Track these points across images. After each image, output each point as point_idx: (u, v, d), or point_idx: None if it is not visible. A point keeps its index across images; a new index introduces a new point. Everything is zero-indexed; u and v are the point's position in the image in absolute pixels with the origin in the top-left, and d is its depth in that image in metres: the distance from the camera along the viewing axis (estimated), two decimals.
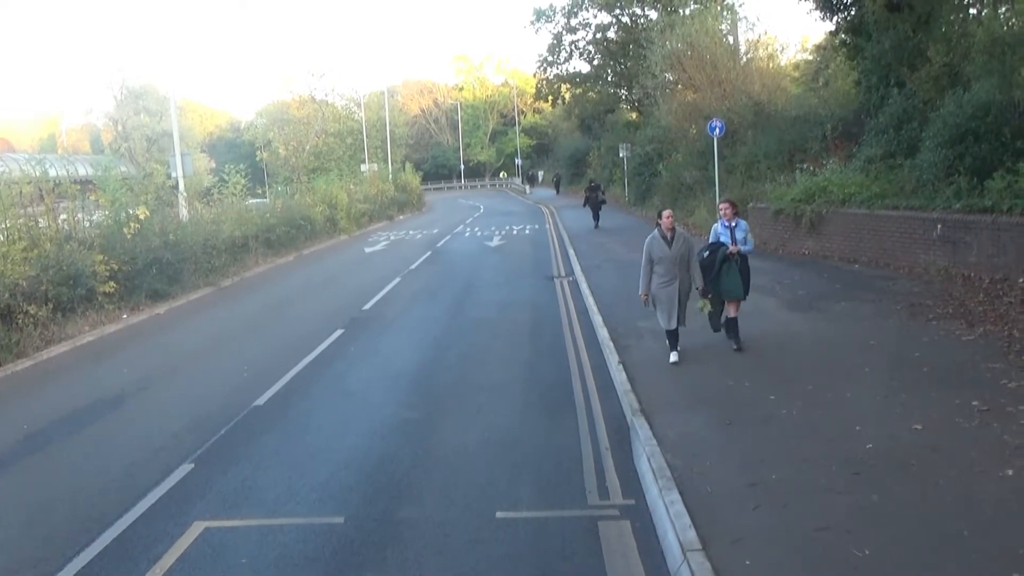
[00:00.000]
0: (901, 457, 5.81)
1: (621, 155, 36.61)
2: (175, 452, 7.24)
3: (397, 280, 17.72)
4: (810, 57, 36.44)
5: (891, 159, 15.66)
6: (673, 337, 8.86)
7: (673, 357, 8.85)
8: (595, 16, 46.34)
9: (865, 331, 9.69)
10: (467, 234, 29.82)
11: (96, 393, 9.70)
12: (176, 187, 21.35)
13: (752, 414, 7.00)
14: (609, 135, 44.70)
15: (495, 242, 25.97)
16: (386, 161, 51.96)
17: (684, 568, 4.56)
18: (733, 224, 9.18)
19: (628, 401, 7.65)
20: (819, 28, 50.66)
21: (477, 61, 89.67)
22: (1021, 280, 10.95)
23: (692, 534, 4.86)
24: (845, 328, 10.00)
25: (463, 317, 13.36)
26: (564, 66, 50.02)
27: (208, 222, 20.34)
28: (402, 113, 71.92)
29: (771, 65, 28.71)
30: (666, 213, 8.72)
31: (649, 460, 6.08)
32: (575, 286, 15.41)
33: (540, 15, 49.88)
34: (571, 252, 20.59)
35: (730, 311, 9.21)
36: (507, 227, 31.41)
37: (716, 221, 9.57)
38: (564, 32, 48.34)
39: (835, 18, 19.35)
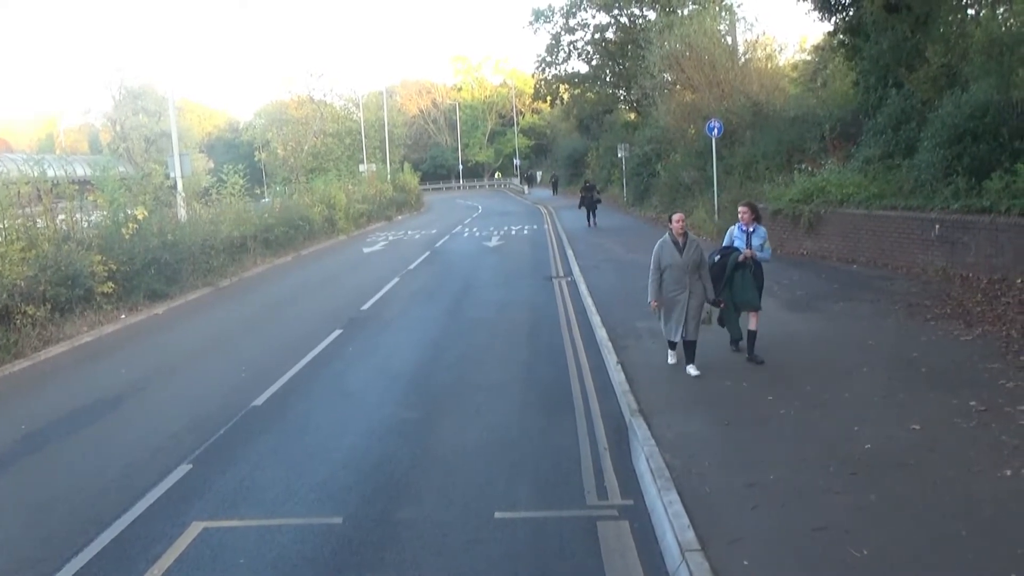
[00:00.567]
0: (899, 457, 5.82)
1: (619, 155, 36.60)
2: (173, 452, 7.24)
3: (396, 280, 17.72)
4: (808, 57, 36.43)
5: (889, 159, 15.68)
6: (690, 349, 8.25)
7: (691, 370, 8.21)
8: (594, 16, 46.37)
9: (863, 331, 9.70)
10: (466, 234, 29.82)
11: (94, 393, 9.69)
12: (174, 187, 21.35)
13: (750, 414, 7.01)
14: (608, 135, 44.69)
15: (493, 242, 25.97)
16: (384, 161, 51.92)
17: (682, 568, 4.56)
18: (751, 229, 8.55)
19: (626, 401, 7.65)
20: (817, 28, 50.80)
21: (476, 61, 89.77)
22: (1019, 280, 10.96)
23: (690, 534, 4.87)
24: (843, 328, 10.01)
25: (462, 317, 13.36)
26: (563, 66, 50.02)
27: (206, 222, 20.33)
28: (400, 113, 71.87)
29: (769, 65, 28.75)
30: (677, 217, 8.12)
31: (648, 460, 6.09)
32: (573, 286, 15.41)
33: (539, 15, 49.86)
34: (569, 252, 20.59)
35: (750, 322, 8.52)
36: (505, 227, 31.41)
37: (734, 224, 8.91)
38: (563, 32, 48.30)
39: (833, 18, 19.35)
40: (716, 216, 21.60)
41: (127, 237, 16.21)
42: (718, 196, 22.19)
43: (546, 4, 53.23)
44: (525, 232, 29.21)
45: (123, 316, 14.68)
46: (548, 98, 55.03)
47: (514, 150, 79.46)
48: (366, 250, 26.15)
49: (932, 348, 8.70)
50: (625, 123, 44.43)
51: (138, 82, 63.38)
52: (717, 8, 30.81)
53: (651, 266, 8.21)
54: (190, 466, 6.87)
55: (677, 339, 8.25)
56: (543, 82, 52.48)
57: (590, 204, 28.29)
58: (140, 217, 17.23)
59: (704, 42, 27.54)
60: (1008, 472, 5.42)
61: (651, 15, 40.49)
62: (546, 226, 30.84)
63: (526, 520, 5.54)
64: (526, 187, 65.13)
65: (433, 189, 73.48)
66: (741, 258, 8.39)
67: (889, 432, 6.30)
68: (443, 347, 11.13)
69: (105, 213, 16.61)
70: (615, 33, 45.31)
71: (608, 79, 47.75)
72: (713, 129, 22.17)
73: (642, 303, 12.43)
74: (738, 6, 33.93)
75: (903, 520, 4.89)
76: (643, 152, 33.65)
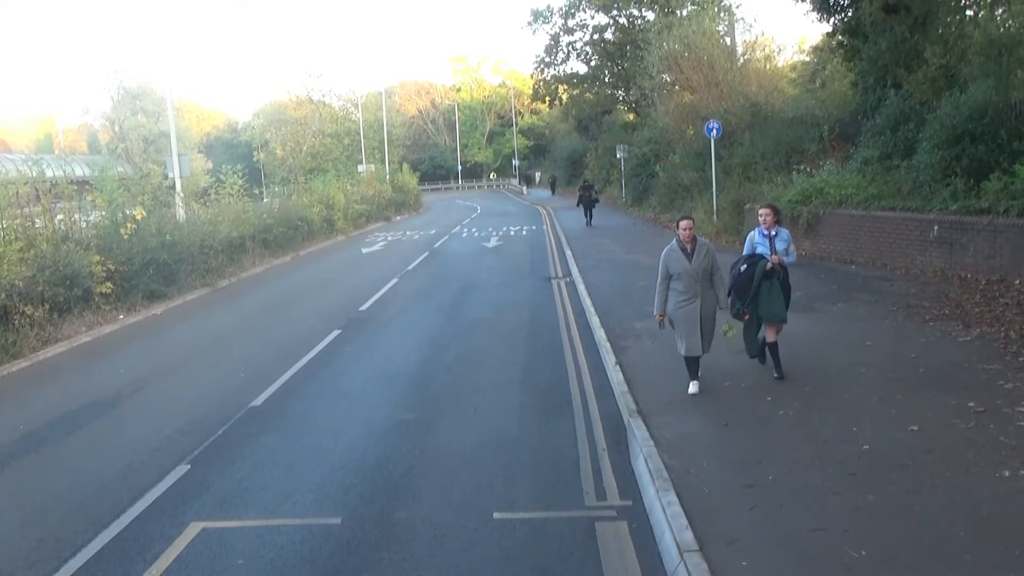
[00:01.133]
0: (897, 458, 5.82)
1: (618, 156, 36.65)
2: (172, 453, 7.24)
3: (395, 281, 17.71)
4: (807, 58, 36.49)
5: (888, 160, 15.69)
6: (693, 365, 7.69)
7: (692, 388, 7.68)
8: (592, 17, 46.39)
9: (862, 332, 9.71)
10: (464, 235, 29.82)
11: (93, 394, 9.68)
12: (173, 187, 21.34)
13: (749, 415, 7.01)
14: (606, 136, 44.72)
15: (492, 243, 25.97)
16: (383, 162, 51.91)
17: (681, 569, 4.57)
18: (773, 233, 7.95)
19: (625, 402, 7.66)
20: (816, 29, 50.93)
21: (474, 62, 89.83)
22: (1017, 281, 10.98)
23: (689, 535, 4.87)
24: (842, 329, 10.01)
25: (460, 318, 13.36)
26: (561, 67, 50.02)
27: (205, 223, 20.32)
28: (399, 114, 71.84)
29: (768, 66, 28.78)
30: (684, 224, 7.50)
31: (646, 461, 6.09)
32: (572, 287, 15.42)
33: (537, 16, 49.87)
34: (568, 253, 20.59)
35: (769, 335, 7.92)
36: (504, 228, 31.42)
37: (753, 230, 8.30)
38: (561, 33, 48.32)
39: (832, 19, 19.36)
40: (715, 217, 21.63)
41: (126, 237, 16.21)
42: (717, 197, 22.20)
43: (545, 5, 53.42)
44: (524, 233, 29.22)
45: (121, 316, 14.67)
46: (547, 99, 55.09)
47: (513, 151, 79.48)
48: (365, 250, 26.14)
49: (930, 349, 8.71)
50: (624, 124, 44.50)
51: (137, 82, 63.47)
52: (716, 9, 30.89)
53: (658, 275, 7.60)
54: (189, 466, 6.87)
55: (696, 353, 7.57)
56: (542, 83, 52.52)
57: (588, 203, 29.34)
58: (139, 217, 17.24)
59: (703, 43, 27.56)
60: (1006, 473, 5.42)
61: (650, 16, 40.55)
62: (545, 227, 30.86)
63: (525, 521, 5.54)
64: (525, 187, 65.25)
65: (432, 190, 73.48)
66: (769, 265, 7.69)
67: (887, 433, 6.30)
68: (442, 348, 11.13)
69: (104, 213, 16.61)
70: (614, 34, 45.34)
71: (607, 80, 47.78)
72: (712, 130, 22.18)
73: (641, 304, 12.48)
74: (737, 7, 33.98)
75: (901, 521, 4.89)
76: (642, 153, 33.70)
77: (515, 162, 77.30)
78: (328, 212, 30.97)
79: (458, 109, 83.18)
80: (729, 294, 7.83)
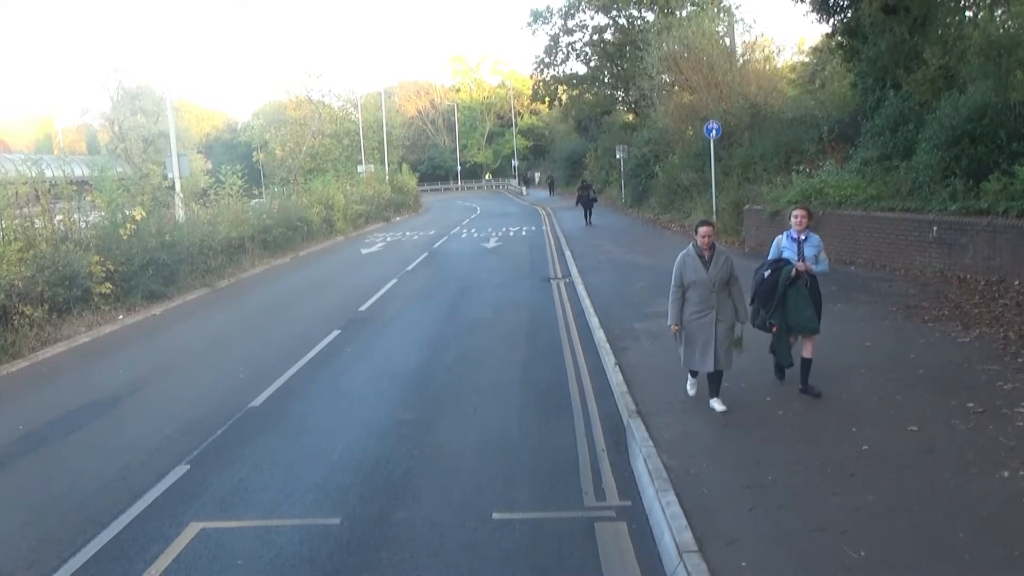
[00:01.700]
0: (897, 459, 5.82)
1: (618, 157, 36.69)
2: (171, 453, 7.23)
3: (394, 281, 17.71)
4: (806, 59, 36.55)
5: (887, 161, 15.70)
6: (715, 379, 7.16)
7: (691, 389, 7.53)
8: (592, 18, 46.42)
9: (861, 332, 9.72)
10: (464, 235, 29.82)
11: (92, 394, 9.68)
12: (172, 188, 21.33)
13: (748, 415, 7.01)
14: (606, 137, 44.74)
15: (492, 243, 25.97)
16: (383, 162, 51.94)
17: (680, 569, 4.57)
18: (803, 237, 7.27)
19: (624, 402, 7.66)
20: (816, 30, 50.97)
21: (474, 62, 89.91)
22: (1016, 282, 10.99)
23: (688, 535, 4.87)
24: (841, 329, 10.00)
25: (460, 318, 13.36)
26: (561, 68, 50.04)
27: (204, 223, 20.31)
28: (399, 114, 71.87)
29: (767, 67, 28.82)
30: (704, 229, 6.91)
31: (645, 461, 6.09)
32: (572, 288, 15.42)
33: (537, 16, 49.89)
34: (568, 254, 20.60)
35: (805, 350, 7.32)
36: (504, 228, 31.43)
37: (780, 233, 7.66)
38: (561, 34, 48.33)
39: (831, 20, 19.37)
40: (714, 217, 21.62)
41: (125, 238, 16.21)
42: (716, 198, 22.21)
43: (544, 5, 53.45)
44: (523, 233, 29.22)
45: (121, 317, 14.67)
46: (546, 99, 55.06)
47: (512, 151, 79.49)
48: (364, 251, 26.14)
49: (930, 350, 8.71)
50: (623, 124, 44.49)
51: (136, 82, 63.58)
52: (715, 9, 30.91)
53: (672, 283, 7.07)
54: (188, 467, 6.86)
55: (702, 369, 7.13)
56: (541, 83, 52.52)
57: (587, 202, 29.82)
58: (138, 218, 17.24)
59: (702, 43, 27.59)
60: (1006, 473, 5.43)
61: (649, 16, 40.58)
62: (544, 227, 30.88)
63: (524, 521, 5.54)
64: (524, 188, 65.30)
65: (431, 190, 73.53)
66: (794, 272, 7.15)
67: (887, 433, 6.31)
68: (441, 348, 11.13)
69: (103, 213, 16.61)
70: (613, 34, 45.37)
71: (606, 80, 47.81)
72: (711, 130, 22.20)
73: (640, 305, 12.50)
74: (736, 7, 34.17)
75: (901, 521, 4.89)
76: (641, 153, 33.73)
77: (514, 163, 77.34)
78: (327, 213, 30.98)
79: (457, 109, 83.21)
80: (752, 301, 7.42)
